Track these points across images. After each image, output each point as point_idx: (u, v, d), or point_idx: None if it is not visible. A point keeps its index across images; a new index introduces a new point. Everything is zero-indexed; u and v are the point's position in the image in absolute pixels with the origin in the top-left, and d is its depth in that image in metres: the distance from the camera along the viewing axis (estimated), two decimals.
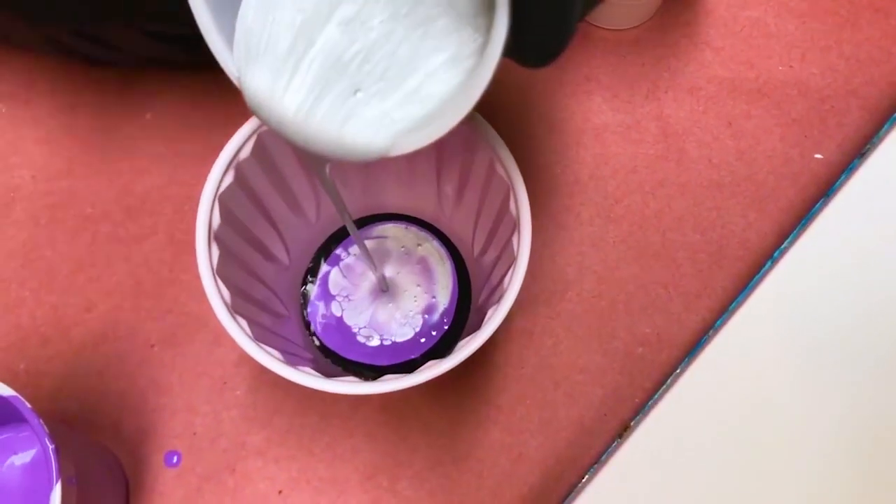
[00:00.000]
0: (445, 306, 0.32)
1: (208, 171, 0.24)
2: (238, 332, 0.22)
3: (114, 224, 0.34)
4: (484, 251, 0.29)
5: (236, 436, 0.31)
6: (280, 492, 0.31)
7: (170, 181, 0.34)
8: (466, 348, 0.22)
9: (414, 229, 0.33)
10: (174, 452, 0.31)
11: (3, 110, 0.35)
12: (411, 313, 0.32)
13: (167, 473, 0.31)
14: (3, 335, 0.32)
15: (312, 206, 0.30)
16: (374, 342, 0.32)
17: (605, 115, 0.35)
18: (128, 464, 0.31)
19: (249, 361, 0.32)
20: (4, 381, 0.32)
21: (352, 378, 0.22)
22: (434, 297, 0.32)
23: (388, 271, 0.33)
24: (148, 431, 0.31)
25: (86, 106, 0.35)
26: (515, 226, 0.23)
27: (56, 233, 0.34)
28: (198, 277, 0.33)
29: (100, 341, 0.32)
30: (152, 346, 0.32)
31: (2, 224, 0.34)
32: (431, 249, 0.33)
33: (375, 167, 0.29)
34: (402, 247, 0.33)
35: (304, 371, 0.22)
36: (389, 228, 0.34)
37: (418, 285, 0.32)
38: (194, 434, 0.31)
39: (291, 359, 0.23)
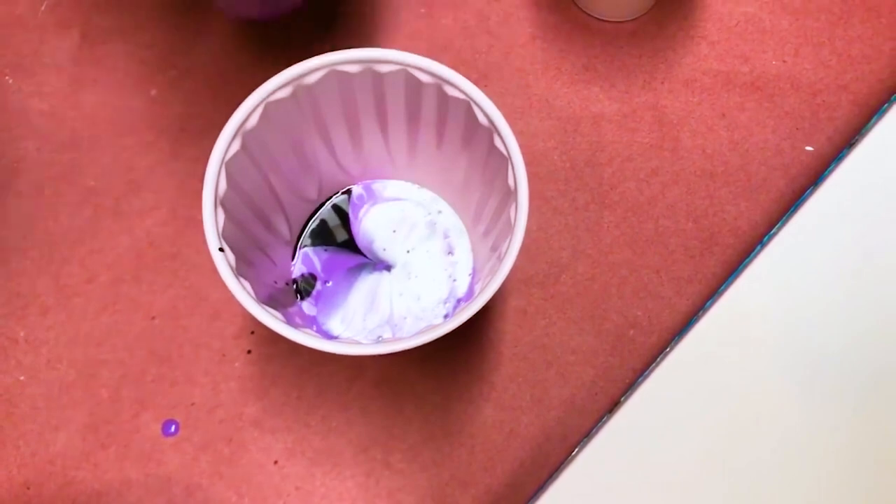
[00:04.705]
0: (465, 291, 0.30)
1: (212, 148, 0.25)
2: (242, 293, 0.23)
3: (116, 198, 0.34)
4: (481, 228, 0.29)
5: (233, 407, 0.32)
6: (275, 462, 0.31)
7: (173, 157, 0.35)
8: (464, 313, 0.23)
9: (427, 191, 0.31)
10: (172, 422, 0.32)
11: (10, 82, 0.35)
12: (431, 305, 0.29)
13: (165, 442, 0.31)
14: (2, 302, 0.33)
15: (314, 184, 0.31)
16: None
17: (603, 104, 0.36)
18: (125, 432, 0.31)
19: (247, 335, 0.32)
20: (4, 349, 0.32)
21: (351, 339, 0.23)
22: (455, 279, 0.30)
23: (415, 244, 0.29)
24: (146, 402, 0.32)
25: (91, 81, 0.36)
26: (512, 197, 0.24)
27: (59, 205, 0.34)
28: (200, 252, 0.34)
29: (100, 312, 0.33)
30: (153, 318, 0.33)
31: (5, 194, 0.34)
32: (451, 219, 0.30)
33: (376, 140, 0.30)
34: (428, 214, 0.29)
35: (305, 332, 0.22)
36: (402, 187, 0.31)
37: (445, 269, 0.29)
38: (192, 404, 0.32)
39: (293, 324, 0.24)
